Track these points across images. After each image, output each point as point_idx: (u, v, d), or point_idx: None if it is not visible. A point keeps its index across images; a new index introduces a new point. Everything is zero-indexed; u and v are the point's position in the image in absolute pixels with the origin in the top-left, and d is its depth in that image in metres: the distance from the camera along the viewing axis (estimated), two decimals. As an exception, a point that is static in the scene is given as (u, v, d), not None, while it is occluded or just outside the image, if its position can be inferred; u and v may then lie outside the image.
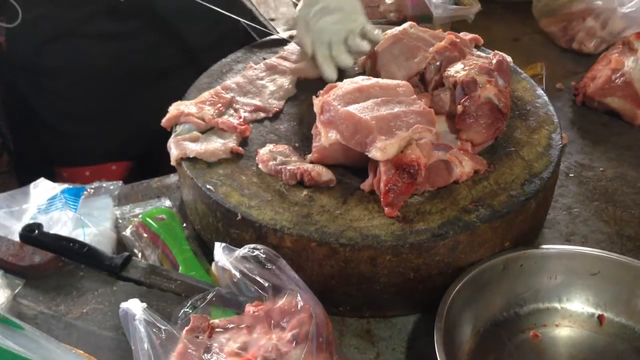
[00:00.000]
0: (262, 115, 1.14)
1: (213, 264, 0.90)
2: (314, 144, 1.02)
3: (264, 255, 0.84)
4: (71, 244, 1.00)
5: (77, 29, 1.35)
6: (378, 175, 0.94)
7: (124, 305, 0.79)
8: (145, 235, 1.05)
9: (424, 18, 1.65)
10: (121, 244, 1.05)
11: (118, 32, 1.36)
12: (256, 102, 1.15)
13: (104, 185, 1.13)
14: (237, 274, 0.85)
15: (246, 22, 1.41)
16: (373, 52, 1.20)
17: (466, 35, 1.22)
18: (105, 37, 1.36)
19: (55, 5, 1.32)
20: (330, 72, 1.19)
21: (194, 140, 1.05)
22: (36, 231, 1.01)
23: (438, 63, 1.13)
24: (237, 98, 1.15)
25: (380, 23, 1.60)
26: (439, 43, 1.14)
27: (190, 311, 0.85)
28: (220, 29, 1.48)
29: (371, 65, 1.21)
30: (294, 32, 1.35)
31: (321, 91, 1.04)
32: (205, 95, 1.14)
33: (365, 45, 1.20)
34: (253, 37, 1.53)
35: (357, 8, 1.24)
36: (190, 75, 1.23)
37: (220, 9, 1.26)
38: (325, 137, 0.98)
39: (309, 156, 1.02)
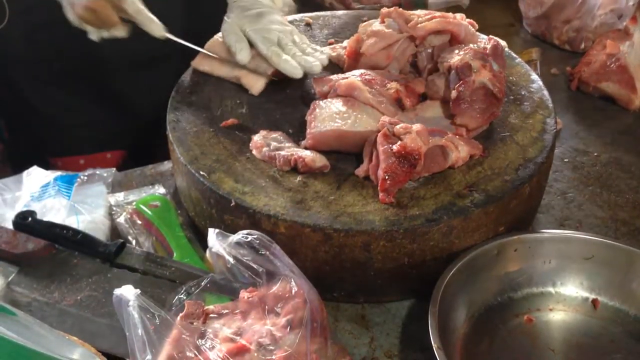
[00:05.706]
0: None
1: (207, 250, 0.90)
2: (308, 130, 1.02)
3: (257, 241, 0.83)
4: (65, 231, 0.99)
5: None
6: (374, 161, 0.94)
7: (117, 291, 0.79)
8: (139, 222, 1.05)
9: (419, 4, 1.64)
10: (115, 231, 1.05)
11: None
12: None
13: (98, 172, 1.12)
14: (231, 260, 0.85)
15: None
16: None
17: (461, 20, 1.21)
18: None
19: None
20: (292, 67, 1.12)
21: None
22: (29, 219, 1.00)
23: (430, 50, 1.12)
24: None
25: (374, 9, 1.59)
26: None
27: (185, 297, 0.85)
28: (212, 16, 1.47)
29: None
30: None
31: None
32: None
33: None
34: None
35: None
36: (184, 64, 1.22)
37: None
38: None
39: (303, 142, 1.02)
